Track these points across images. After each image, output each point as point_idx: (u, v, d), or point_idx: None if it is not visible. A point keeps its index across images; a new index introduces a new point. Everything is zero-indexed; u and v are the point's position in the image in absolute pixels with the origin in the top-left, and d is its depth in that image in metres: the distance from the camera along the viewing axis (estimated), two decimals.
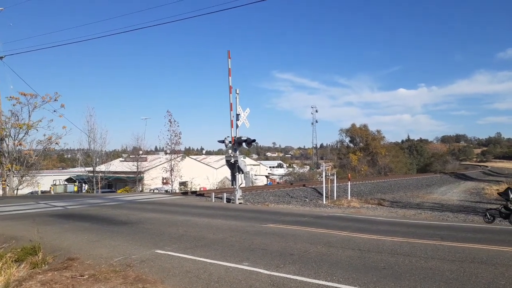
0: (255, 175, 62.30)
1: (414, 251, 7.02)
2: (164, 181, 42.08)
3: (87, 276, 5.55)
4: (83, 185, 39.57)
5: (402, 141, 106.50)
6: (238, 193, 18.20)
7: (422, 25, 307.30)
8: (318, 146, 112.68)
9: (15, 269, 5.88)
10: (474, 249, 7.23)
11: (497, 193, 13.85)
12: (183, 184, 42.79)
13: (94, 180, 36.01)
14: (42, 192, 37.57)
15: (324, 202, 20.09)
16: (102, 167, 38.44)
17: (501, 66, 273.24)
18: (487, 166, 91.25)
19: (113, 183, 42.75)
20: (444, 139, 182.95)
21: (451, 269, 5.78)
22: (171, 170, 36.48)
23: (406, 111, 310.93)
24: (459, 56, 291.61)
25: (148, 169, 43.21)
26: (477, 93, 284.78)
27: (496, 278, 5.32)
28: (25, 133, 28.20)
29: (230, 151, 18.67)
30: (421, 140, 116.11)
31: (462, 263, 6.15)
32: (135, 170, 39.18)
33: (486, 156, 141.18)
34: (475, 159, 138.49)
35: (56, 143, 30.14)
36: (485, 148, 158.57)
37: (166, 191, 35.26)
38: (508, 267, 5.88)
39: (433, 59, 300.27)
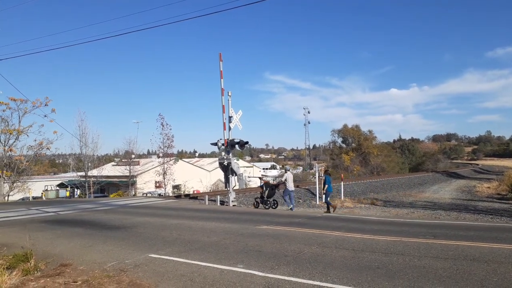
0: (249, 177, 62.26)
1: (407, 250, 7.07)
2: (157, 184, 41.89)
3: (80, 282, 5.50)
4: (75, 190, 39.22)
5: (394, 141, 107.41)
6: (232, 196, 18.16)
7: (413, 25, 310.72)
8: (311, 147, 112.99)
9: (7, 276, 5.79)
10: (467, 246, 7.30)
11: (259, 186, 17.12)
12: (176, 187, 42.62)
13: (86, 185, 35.72)
14: (34, 198, 37.13)
15: (318, 203, 20.09)
16: (94, 172, 38.14)
17: (490, 65, 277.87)
18: (478, 164, 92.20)
19: (106, 187, 42.46)
20: (436, 138, 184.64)
21: (444, 267, 5.83)
22: (164, 173, 36.30)
23: (398, 111, 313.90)
24: (449, 55, 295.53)
25: (141, 173, 42.98)
26: (467, 92, 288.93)
27: (489, 275, 5.37)
28: (16, 139, 27.95)
29: (223, 153, 18.63)
30: (412, 140, 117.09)
31: (455, 260, 6.20)
32: (128, 174, 38.92)
33: (477, 154, 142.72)
34: (466, 158, 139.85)
35: (47, 148, 29.92)
36: (475, 147, 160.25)
37: (159, 194, 35.07)
38: (500, 264, 5.95)
39: (425, 59, 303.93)
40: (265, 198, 16.46)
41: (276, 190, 17.07)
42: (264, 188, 16.63)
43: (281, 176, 16.93)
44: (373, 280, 5.22)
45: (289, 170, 16.96)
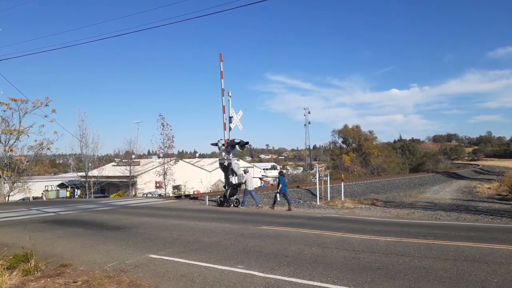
0: None
1: (407, 250, 7.07)
2: (158, 185, 41.86)
3: (80, 283, 5.50)
4: (76, 190, 39.23)
5: (395, 141, 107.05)
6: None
7: (414, 26, 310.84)
8: (312, 147, 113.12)
9: (7, 276, 5.80)
10: (467, 247, 7.29)
11: (223, 186, 18.35)
12: (177, 187, 42.61)
13: (87, 185, 35.72)
14: (34, 198, 37.13)
15: (318, 203, 20.07)
16: (94, 172, 38.14)
17: (491, 65, 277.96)
18: (478, 165, 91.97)
19: (106, 188, 42.48)
20: (436, 139, 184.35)
21: (445, 267, 5.82)
22: (164, 173, 36.30)
23: (399, 111, 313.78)
24: (450, 56, 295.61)
25: (141, 173, 42.97)
26: (468, 93, 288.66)
27: (489, 275, 5.37)
28: (16, 139, 27.96)
29: (223, 153, 18.61)
30: (413, 140, 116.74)
31: (455, 261, 6.20)
32: (128, 174, 38.91)
33: (477, 155, 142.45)
34: (466, 158, 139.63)
35: (48, 149, 29.95)
36: (476, 147, 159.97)
37: (160, 195, 35.07)
38: (501, 265, 5.94)
39: (425, 59, 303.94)
40: (228, 197, 17.30)
41: (238, 190, 18.14)
42: (227, 188, 17.63)
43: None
44: (373, 280, 5.22)
45: (248, 172, 18.00)
